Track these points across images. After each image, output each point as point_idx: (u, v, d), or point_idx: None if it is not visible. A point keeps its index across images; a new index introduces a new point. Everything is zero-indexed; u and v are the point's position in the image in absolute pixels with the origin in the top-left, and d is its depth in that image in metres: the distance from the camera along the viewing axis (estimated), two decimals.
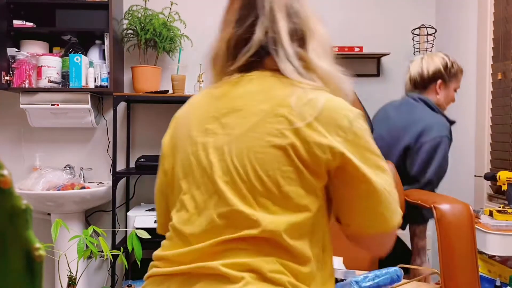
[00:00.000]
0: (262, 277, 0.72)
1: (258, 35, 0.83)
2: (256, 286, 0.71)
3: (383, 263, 1.68)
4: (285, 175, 0.75)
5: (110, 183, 2.53)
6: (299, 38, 0.85)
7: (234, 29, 0.86)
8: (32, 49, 2.43)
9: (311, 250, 0.77)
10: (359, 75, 2.74)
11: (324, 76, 0.84)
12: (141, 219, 2.26)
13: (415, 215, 1.69)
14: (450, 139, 1.77)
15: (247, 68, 0.85)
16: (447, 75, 1.81)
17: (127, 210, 2.61)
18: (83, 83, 2.40)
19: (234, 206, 0.75)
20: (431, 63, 1.83)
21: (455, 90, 1.85)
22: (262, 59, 0.84)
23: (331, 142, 0.75)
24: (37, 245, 0.33)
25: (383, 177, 0.79)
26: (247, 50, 0.84)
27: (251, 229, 0.73)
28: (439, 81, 1.81)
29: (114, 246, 2.34)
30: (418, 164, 1.71)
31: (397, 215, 0.80)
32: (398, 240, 1.84)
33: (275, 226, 0.73)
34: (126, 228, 2.52)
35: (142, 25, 2.44)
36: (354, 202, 0.79)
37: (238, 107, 0.80)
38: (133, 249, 2.14)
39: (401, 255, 1.85)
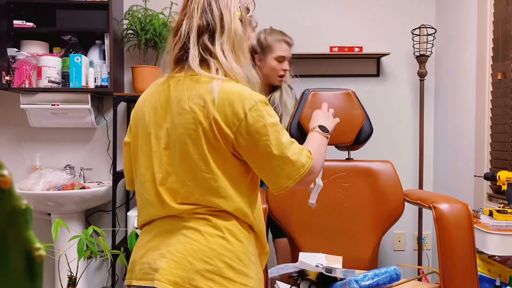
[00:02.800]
0: None
1: (183, 28, 1.04)
2: None
3: None
4: None
5: (110, 183, 2.53)
6: (210, 33, 1.03)
7: (177, 22, 1.07)
8: (32, 49, 2.43)
9: None
10: (359, 75, 2.74)
11: (224, 65, 1.03)
12: None
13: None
14: None
15: (180, 59, 1.05)
16: (260, 49, 2.10)
17: (127, 210, 2.61)
18: (83, 83, 2.40)
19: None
20: None
21: (277, 60, 2.09)
22: (187, 54, 1.04)
23: None
24: (37, 245, 0.33)
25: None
26: (176, 41, 1.05)
27: None
28: (256, 56, 2.11)
29: (114, 246, 2.34)
30: None
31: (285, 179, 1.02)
32: None
33: None
34: (126, 228, 2.52)
35: (142, 25, 2.44)
36: None
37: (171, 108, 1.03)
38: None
39: None
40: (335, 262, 1.47)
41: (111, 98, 2.65)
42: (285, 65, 2.11)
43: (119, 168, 2.52)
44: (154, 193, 1.03)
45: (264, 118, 0.98)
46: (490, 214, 1.75)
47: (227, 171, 1.00)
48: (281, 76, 2.12)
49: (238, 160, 1.02)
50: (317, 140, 1.15)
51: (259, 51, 2.10)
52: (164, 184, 1.02)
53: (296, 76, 2.32)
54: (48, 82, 2.36)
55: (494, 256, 1.78)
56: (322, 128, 1.20)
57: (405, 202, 1.71)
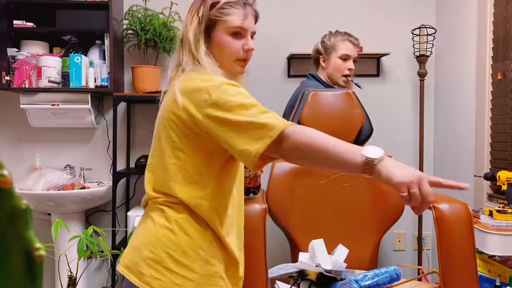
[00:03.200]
0: None
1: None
2: None
3: None
4: None
5: (110, 183, 2.53)
6: (181, 41, 1.15)
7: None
8: (32, 49, 2.43)
9: None
10: (359, 75, 2.74)
11: (194, 65, 1.10)
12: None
13: None
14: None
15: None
16: (324, 50, 2.13)
17: (127, 210, 2.61)
18: (83, 83, 2.40)
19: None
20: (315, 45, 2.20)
21: (341, 58, 2.09)
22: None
23: None
24: (37, 245, 0.33)
25: None
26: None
27: None
28: (321, 57, 2.14)
29: (114, 246, 2.34)
30: None
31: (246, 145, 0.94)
32: None
33: None
34: (126, 228, 2.52)
35: (142, 25, 2.44)
36: None
37: None
38: None
39: None
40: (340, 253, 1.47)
41: (111, 98, 2.65)
42: (350, 64, 2.08)
43: (119, 168, 2.52)
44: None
45: (228, 94, 0.98)
46: (490, 214, 1.75)
47: (193, 160, 1.04)
48: (346, 76, 2.09)
49: (206, 149, 1.04)
50: (342, 145, 0.88)
51: (323, 52, 2.11)
52: (147, 170, 1.12)
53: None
54: (48, 82, 2.36)
55: (494, 256, 1.78)
56: (372, 157, 0.84)
57: None
